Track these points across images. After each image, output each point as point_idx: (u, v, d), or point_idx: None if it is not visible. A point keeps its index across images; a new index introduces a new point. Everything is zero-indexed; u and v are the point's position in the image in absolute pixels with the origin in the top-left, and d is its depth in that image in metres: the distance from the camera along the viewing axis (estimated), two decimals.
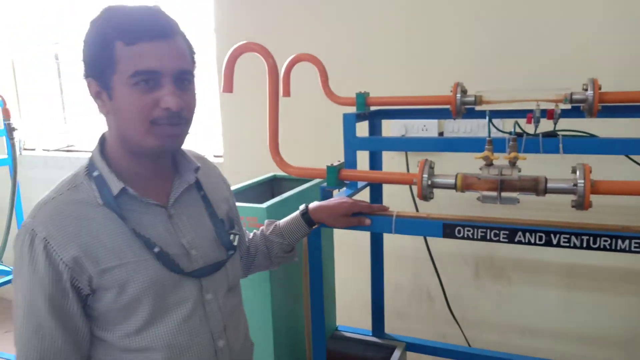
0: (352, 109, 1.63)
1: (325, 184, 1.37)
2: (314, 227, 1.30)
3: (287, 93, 1.63)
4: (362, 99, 1.61)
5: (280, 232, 1.30)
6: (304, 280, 1.50)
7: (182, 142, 1.01)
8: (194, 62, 1.01)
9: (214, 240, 1.09)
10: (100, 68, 0.93)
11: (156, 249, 0.98)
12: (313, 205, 1.30)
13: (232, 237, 1.12)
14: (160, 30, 0.92)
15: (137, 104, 0.91)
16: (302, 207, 1.31)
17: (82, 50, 0.96)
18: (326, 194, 1.39)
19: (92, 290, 0.95)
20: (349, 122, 1.47)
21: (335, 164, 1.36)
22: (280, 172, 1.63)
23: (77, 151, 3.51)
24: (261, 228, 1.34)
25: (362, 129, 1.73)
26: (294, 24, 2.41)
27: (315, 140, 2.42)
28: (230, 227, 1.16)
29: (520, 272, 2.21)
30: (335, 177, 1.34)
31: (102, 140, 1.03)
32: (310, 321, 1.37)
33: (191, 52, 1.00)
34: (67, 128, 3.63)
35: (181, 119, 0.96)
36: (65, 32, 3.44)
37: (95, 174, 0.98)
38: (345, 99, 1.66)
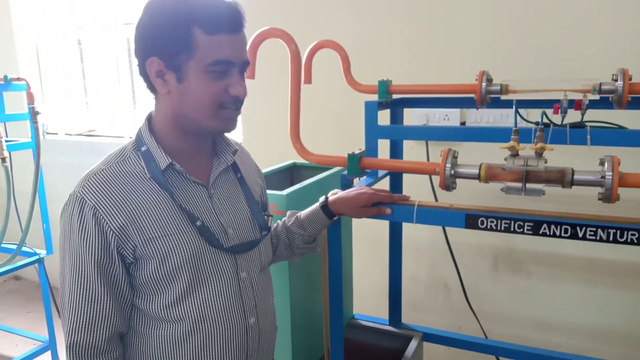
0: (374, 97, 1.61)
1: (345, 172, 1.37)
2: (334, 218, 1.30)
3: (308, 80, 1.62)
4: (385, 87, 1.59)
5: (301, 223, 1.29)
6: (323, 269, 1.50)
7: (236, 126, 1.07)
8: None
9: (249, 220, 1.13)
10: (173, 50, 0.95)
11: (198, 223, 1.02)
12: (332, 196, 1.29)
13: (266, 217, 1.17)
14: (238, 23, 0.98)
15: (211, 90, 0.97)
16: (322, 198, 1.30)
17: (143, 28, 0.98)
18: (347, 182, 1.38)
19: (135, 259, 1.00)
20: (370, 110, 1.46)
21: (357, 152, 1.35)
22: (300, 160, 1.63)
23: (98, 136, 3.55)
24: (283, 219, 1.34)
25: (383, 118, 1.72)
26: (316, 10, 2.39)
27: (336, 129, 2.41)
28: (265, 207, 1.21)
29: (539, 265, 2.18)
30: (356, 165, 1.33)
31: (150, 118, 1.07)
32: (328, 309, 1.37)
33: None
34: (89, 113, 3.67)
35: (241, 105, 1.03)
36: (88, 17, 3.46)
37: (144, 148, 1.03)
38: (367, 86, 1.65)
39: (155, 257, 0.99)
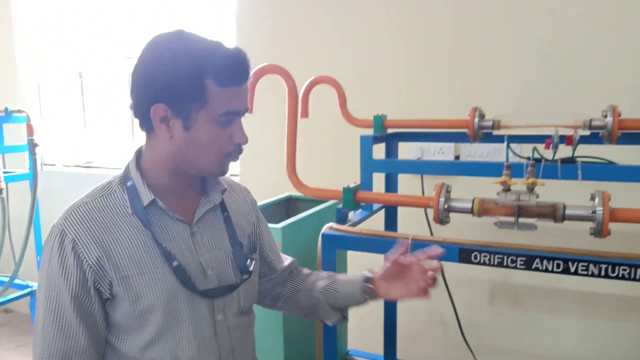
0: (369, 131, 1.64)
1: (341, 206, 1.38)
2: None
3: (305, 114, 1.65)
4: (380, 122, 1.62)
5: (335, 298, 1.21)
6: None
7: None
8: None
9: (230, 262, 1.10)
10: (183, 99, 0.94)
11: (175, 263, 1.00)
12: (380, 285, 1.17)
13: (248, 261, 1.12)
14: (246, 75, 0.99)
15: (218, 139, 0.98)
16: (367, 281, 1.18)
17: (148, 73, 0.95)
18: (342, 216, 1.40)
19: (111, 295, 0.98)
20: (365, 144, 1.48)
21: (352, 185, 1.36)
22: (295, 192, 1.64)
23: (96, 167, 3.57)
24: (317, 278, 1.27)
25: (379, 151, 1.75)
26: (314, 47, 2.45)
27: (332, 162, 2.43)
28: (251, 251, 1.16)
29: (536, 298, 2.17)
30: (351, 199, 1.35)
31: (139, 154, 1.06)
32: (322, 345, 1.36)
33: None
34: (87, 144, 3.70)
35: (242, 152, 1.04)
36: (89, 51, 3.53)
37: (129, 183, 1.02)
38: (362, 121, 1.68)
39: (129, 296, 0.97)
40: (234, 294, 1.09)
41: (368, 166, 1.48)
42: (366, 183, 1.48)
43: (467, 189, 1.39)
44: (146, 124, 0.99)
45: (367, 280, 1.18)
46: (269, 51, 2.55)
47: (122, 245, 0.98)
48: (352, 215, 1.49)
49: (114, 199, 1.01)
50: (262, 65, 1.35)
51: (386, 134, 1.69)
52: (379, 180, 1.77)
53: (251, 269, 1.12)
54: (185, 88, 0.93)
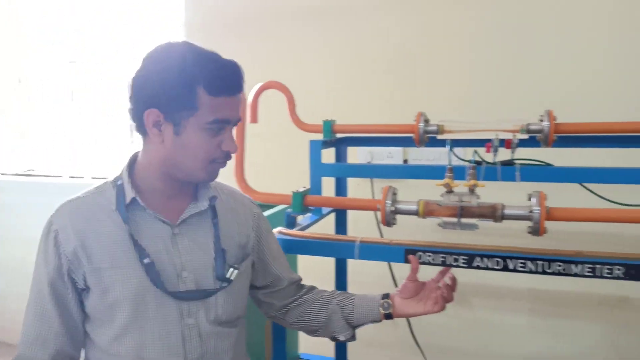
0: (319, 136, 1.65)
1: (290, 210, 1.38)
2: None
3: (254, 119, 1.64)
4: (329, 126, 1.64)
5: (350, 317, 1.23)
6: None
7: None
8: None
9: (211, 268, 1.10)
10: (175, 106, 1.00)
11: (146, 260, 1.02)
12: (398, 302, 1.22)
13: (231, 270, 1.11)
14: (238, 86, 1.04)
15: (206, 146, 1.02)
16: (382, 304, 1.22)
17: (145, 80, 1.01)
18: (291, 220, 1.40)
19: (86, 286, 1.04)
20: (315, 149, 1.49)
21: (301, 189, 1.37)
22: None
23: (36, 175, 3.41)
24: (332, 293, 1.28)
25: (329, 156, 1.76)
26: (262, 52, 2.44)
27: (282, 167, 2.43)
28: (238, 261, 1.15)
29: (483, 297, 2.24)
30: (300, 203, 1.35)
31: (135, 156, 1.12)
32: (271, 350, 1.35)
33: None
34: (26, 151, 3.53)
35: (229, 159, 1.09)
36: (27, 56, 3.38)
37: (119, 182, 1.08)
38: (312, 126, 1.69)
39: (99, 288, 1.02)
40: (210, 300, 1.08)
41: (317, 170, 1.49)
42: (316, 187, 1.49)
43: (416, 192, 1.41)
44: (141, 128, 1.04)
45: (386, 297, 1.23)
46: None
47: (99, 239, 1.03)
48: (302, 220, 1.49)
49: (104, 196, 1.07)
50: None
51: (335, 139, 1.70)
52: (330, 185, 1.79)
53: (231, 277, 1.10)
54: (178, 95, 0.98)
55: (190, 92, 0.98)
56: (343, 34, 2.30)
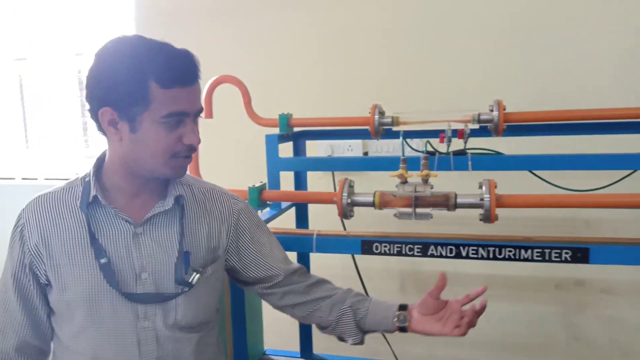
0: (276, 130, 1.65)
1: None
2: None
3: (209, 115, 1.62)
4: (285, 120, 1.63)
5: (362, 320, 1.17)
6: (226, 304, 1.47)
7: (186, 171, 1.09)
8: None
9: (172, 271, 1.06)
10: (127, 102, 0.96)
11: (103, 260, 1.01)
12: (416, 317, 1.14)
13: (193, 274, 1.07)
14: (193, 76, 1.00)
15: (164, 140, 0.99)
16: (399, 315, 1.14)
17: (95, 77, 0.98)
18: None
19: (47, 281, 1.05)
20: (271, 143, 1.49)
21: (257, 184, 1.36)
22: None
23: None
24: (346, 293, 1.21)
25: (288, 150, 1.76)
26: (216, 46, 2.41)
27: (240, 163, 2.40)
28: (205, 264, 1.10)
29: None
30: (257, 197, 1.35)
31: (103, 154, 1.09)
32: (232, 348, 1.35)
33: None
34: None
35: (194, 152, 1.05)
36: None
37: (87, 179, 1.07)
38: (268, 120, 1.68)
39: (57, 284, 1.03)
40: (170, 304, 1.05)
41: (274, 165, 1.49)
42: (274, 182, 1.49)
43: (378, 184, 1.42)
44: (99, 127, 1.03)
45: (403, 308, 1.15)
46: None
47: (60, 236, 1.03)
48: (261, 215, 1.49)
49: (72, 193, 1.07)
50: None
51: (293, 133, 1.70)
52: (290, 180, 1.79)
53: (192, 282, 1.06)
54: (128, 91, 0.95)
55: (142, 87, 0.95)
56: (300, 26, 2.29)
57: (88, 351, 1.03)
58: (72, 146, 2.78)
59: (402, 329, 1.14)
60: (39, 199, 1.07)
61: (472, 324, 1.11)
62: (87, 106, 1.02)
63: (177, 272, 1.05)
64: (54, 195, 1.07)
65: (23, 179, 2.98)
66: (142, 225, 1.05)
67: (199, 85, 1.03)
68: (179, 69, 0.97)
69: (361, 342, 1.20)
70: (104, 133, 1.03)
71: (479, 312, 1.11)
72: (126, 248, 1.04)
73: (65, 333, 1.06)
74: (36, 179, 2.95)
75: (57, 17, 2.75)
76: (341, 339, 1.22)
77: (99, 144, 2.68)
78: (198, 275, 1.07)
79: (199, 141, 1.03)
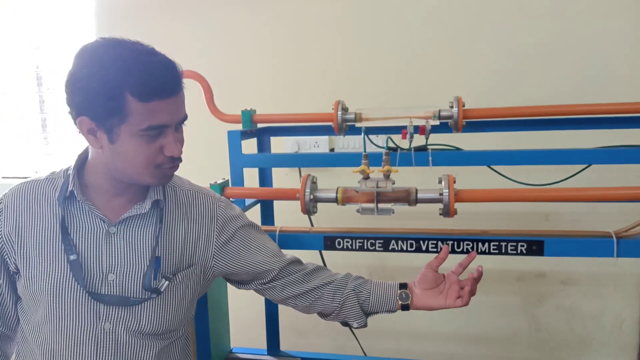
0: (239, 127, 1.63)
1: None
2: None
3: None
4: (248, 116, 1.62)
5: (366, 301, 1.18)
6: None
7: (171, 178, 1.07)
8: None
9: (141, 276, 1.04)
10: (103, 113, 0.94)
11: (72, 256, 1.00)
12: (418, 293, 1.15)
13: (163, 281, 1.04)
14: (173, 87, 0.96)
15: (144, 152, 0.97)
16: (401, 293, 1.15)
17: (74, 83, 0.94)
18: None
19: (16, 270, 1.04)
20: (233, 139, 1.48)
21: (219, 181, 1.35)
22: None
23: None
24: (346, 277, 1.21)
25: (251, 147, 1.74)
26: (178, 41, 2.37)
27: (204, 160, 2.37)
28: (175, 271, 1.08)
29: (409, 279, 2.31)
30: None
31: (87, 149, 1.06)
32: (195, 346, 1.33)
33: None
34: None
35: (179, 161, 1.03)
36: None
37: (69, 172, 1.05)
38: (230, 116, 1.66)
39: (25, 275, 1.02)
40: (134, 309, 1.03)
41: (237, 161, 1.48)
42: (237, 179, 1.48)
43: (344, 180, 1.42)
44: (80, 133, 1.00)
45: (403, 286, 1.16)
46: None
47: (34, 227, 1.03)
48: None
49: (55, 184, 1.06)
50: None
51: (257, 129, 1.69)
52: (255, 177, 1.77)
53: (160, 288, 1.04)
54: (104, 103, 0.92)
55: (118, 100, 0.91)
56: (264, 20, 2.28)
57: (44, 348, 1.03)
58: (31, 144, 2.69)
59: (405, 307, 1.15)
60: (21, 187, 1.07)
61: (473, 292, 1.13)
62: (68, 109, 0.99)
63: (145, 278, 1.03)
64: (35, 184, 1.07)
65: None
66: (116, 225, 1.03)
67: (182, 94, 0.99)
68: (157, 81, 0.93)
69: (365, 325, 1.20)
70: (85, 139, 1.01)
71: (477, 279, 1.13)
72: (97, 246, 1.02)
73: (28, 325, 1.06)
74: None
75: (14, 10, 2.65)
76: (345, 323, 1.22)
77: (60, 141, 2.61)
78: (167, 282, 1.05)
79: (180, 152, 1.00)
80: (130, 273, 1.03)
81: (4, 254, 1.05)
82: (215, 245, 1.12)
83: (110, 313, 1.02)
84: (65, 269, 1.00)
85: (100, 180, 1.04)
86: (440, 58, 2.12)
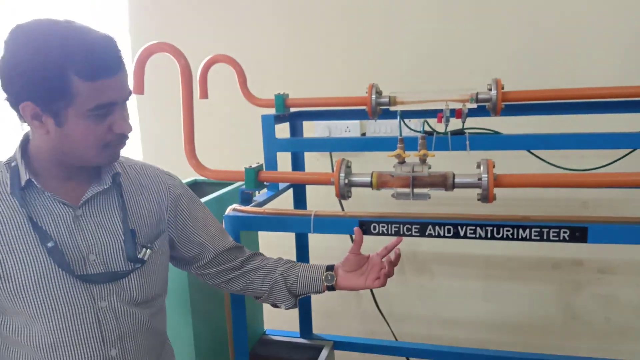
0: (272, 111, 1.63)
1: (244, 187, 1.36)
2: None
3: (204, 95, 1.60)
4: (281, 101, 1.61)
5: (296, 277, 1.24)
6: None
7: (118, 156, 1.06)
8: None
9: (120, 249, 1.06)
10: (49, 97, 0.91)
11: (50, 244, 0.97)
12: (341, 275, 1.23)
13: (143, 250, 1.08)
14: (117, 64, 0.95)
15: (94, 133, 0.96)
16: (326, 275, 1.23)
17: (10, 68, 0.91)
18: (245, 196, 1.38)
19: None
20: (267, 124, 1.47)
21: (254, 165, 1.35)
22: (200, 177, 1.60)
23: None
24: (276, 262, 1.27)
25: (284, 131, 1.74)
26: (211, 25, 2.37)
27: (237, 144, 2.39)
28: (151, 240, 1.11)
29: (441, 265, 2.30)
30: (254, 179, 1.33)
31: (26, 136, 1.03)
32: (231, 327, 1.35)
33: None
34: None
35: (126, 139, 1.02)
36: None
37: (13, 164, 1.00)
38: (264, 100, 1.66)
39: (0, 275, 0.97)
40: (123, 282, 1.06)
41: (271, 146, 1.47)
42: (270, 163, 1.48)
43: (375, 165, 1.41)
44: (21, 120, 0.97)
45: (330, 269, 1.23)
46: (165, 31, 2.43)
47: None
48: (258, 196, 1.48)
49: None
50: (151, 43, 1.29)
51: (289, 113, 1.68)
52: (287, 161, 1.77)
53: (144, 258, 1.07)
54: (49, 86, 0.90)
55: (63, 81, 0.90)
56: (297, 4, 2.26)
57: (44, 341, 0.99)
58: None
59: (330, 288, 1.23)
60: None
61: (389, 274, 1.20)
62: (5, 95, 0.95)
63: (127, 250, 1.06)
64: None
65: None
66: (80, 207, 1.03)
67: (125, 70, 0.99)
68: (101, 60, 0.92)
69: (294, 306, 1.27)
70: (29, 125, 0.97)
71: (394, 263, 1.20)
72: (69, 231, 1.01)
73: (10, 327, 1.00)
74: None
75: (49, 7, 2.70)
76: (275, 305, 1.28)
77: None
78: (149, 250, 1.09)
79: (130, 128, 0.99)
80: (109, 249, 1.04)
81: None
82: (169, 214, 1.16)
83: (103, 290, 1.03)
84: (46, 258, 0.98)
85: (48, 165, 1.01)
86: (472, 39, 2.06)
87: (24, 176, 0.98)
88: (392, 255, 1.21)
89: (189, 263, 1.24)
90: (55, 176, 1.02)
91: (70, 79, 0.90)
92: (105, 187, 1.06)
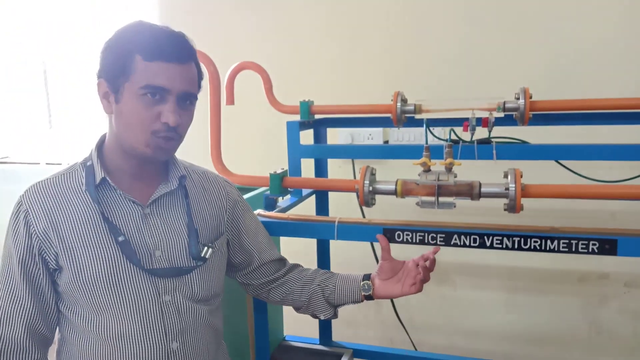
0: (297, 118, 1.64)
1: (268, 192, 1.37)
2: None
3: (230, 101, 1.62)
4: (306, 107, 1.62)
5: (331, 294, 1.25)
6: None
7: (171, 155, 1.12)
8: (199, 88, 1.10)
9: (184, 247, 1.11)
10: (114, 73, 1.01)
11: (121, 238, 1.04)
12: (378, 283, 1.23)
13: (205, 249, 1.13)
14: (178, 54, 1.01)
15: (140, 113, 1.00)
16: (366, 279, 1.24)
17: (101, 52, 1.03)
18: (270, 202, 1.39)
19: (58, 266, 1.04)
20: (292, 130, 1.48)
21: (279, 171, 1.36)
22: None
23: (12, 163, 3.34)
24: (315, 273, 1.29)
25: (308, 138, 1.75)
26: (238, 33, 2.40)
27: (262, 149, 2.41)
28: (212, 240, 1.16)
29: (464, 275, 2.27)
30: (278, 184, 1.34)
31: (103, 137, 1.12)
32: (254, 332, 1.36)
33: (199, 79, 1.10)
34: (1, 138, 3.45)
35: (176, 134, 1.04)
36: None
37: (89, 163, 1.08)
38: (289, 107, 1.67)
39: (72, 267, 1.03)
40: (186, 278, 1.11)
41: (295, 152, 1.48)
42: (294, 169, 1.48)
43: (397, 173, 1.41)
44: (102, 105, 1.05)
45: (366, 278, 1.24)
46: (193, 38, 2.47)
47: (69, 219, 1.04)
48: (282, 202, 1.49)
49: (73, 178, 1.08)
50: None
51: (314, 120, 1.69)
52: (310, 167, 1.78)
53: (206, 256, 1.12)
54: (116, 62, 1.00)
55: (127, 58, 0.99)
56: (322, 12, 2.27)
57: (112, 331, 1.04)
58: (96, 130, 2.81)
59: (368, 297, 1.23)
60: (39, 185, 1.07)
61: (425, 279, 1.19)
62: None
63: (191, 248, 1.11)
64: (54, 180, 1.08)
65: (47, 164, 3.03)
66: (149, 206, 1.09)
67: (192, 67, 1.05)
68: (163, 43, 1.00)
69: (334, 316, 1.28)
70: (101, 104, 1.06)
71: (430, 268, 1.18)
72: (137, 228, 1.07)
73: (81, 318, 1.06)
74: (60, 164, 3.00)
75: (81, 5, 2.77)
76: (315, 316, 1.29)
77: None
78: (211, 249, 1.14)
79: (176, 121, 1.01)
80: (173, 247, 1.10)
81: (42, 252, 1.04)
82: (227, 219, 1.22)
83: (168, 285, 1.08)
84: (117, 251, 1.03)
85: (118, 160, 1.07)
86: (499, 48, 2.05)
87: (99, 174, 1.05)
88: (427, 263, 1.19)
89: (236, 270, 1.28)
90: (125, 174, 1.08)
91: (134, 57, 0.99)
92: (172, 189, 1.12)
